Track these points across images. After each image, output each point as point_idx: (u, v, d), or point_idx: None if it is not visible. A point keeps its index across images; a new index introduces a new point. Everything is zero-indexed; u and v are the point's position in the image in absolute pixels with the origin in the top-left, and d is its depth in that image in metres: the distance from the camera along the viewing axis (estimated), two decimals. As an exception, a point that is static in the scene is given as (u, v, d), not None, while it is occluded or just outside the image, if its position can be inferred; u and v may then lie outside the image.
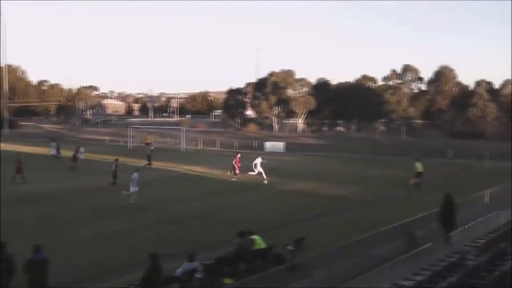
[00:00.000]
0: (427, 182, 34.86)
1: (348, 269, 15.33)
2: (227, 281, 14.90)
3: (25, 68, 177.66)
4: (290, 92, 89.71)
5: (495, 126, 75.22)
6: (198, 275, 14.52)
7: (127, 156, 47.85)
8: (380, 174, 43.09)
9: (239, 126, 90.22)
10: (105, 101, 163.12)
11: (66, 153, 46.78)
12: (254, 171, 37.38)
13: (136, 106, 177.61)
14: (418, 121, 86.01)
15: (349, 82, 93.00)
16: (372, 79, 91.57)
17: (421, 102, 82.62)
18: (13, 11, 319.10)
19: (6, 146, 56.98)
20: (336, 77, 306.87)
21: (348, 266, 15.67)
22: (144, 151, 55.22)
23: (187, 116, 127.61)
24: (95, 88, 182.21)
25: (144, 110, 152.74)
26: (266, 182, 36.04)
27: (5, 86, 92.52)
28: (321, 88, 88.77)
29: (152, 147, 48.48)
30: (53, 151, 48.38)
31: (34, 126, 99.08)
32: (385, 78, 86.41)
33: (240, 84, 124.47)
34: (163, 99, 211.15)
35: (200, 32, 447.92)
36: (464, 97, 77.45)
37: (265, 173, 37.21)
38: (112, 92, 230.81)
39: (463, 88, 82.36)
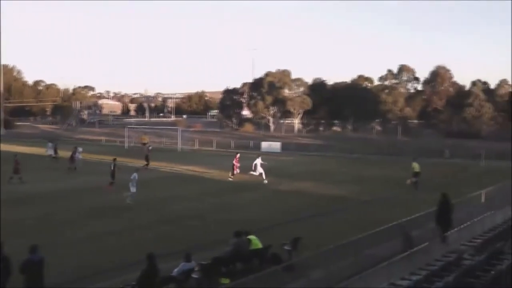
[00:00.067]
0: (424, 182, 34.90)
1: (345, 268, 15.33)
2: (224, 281, 14.89)
3: (21, 68, 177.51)
4: (286, 92, 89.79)
5: (491, 126, 75.41)
6: (194, 275, 14.51)
7: (123, 156, 47.76)
8: (376, 174, 43.12)
9: (235, 126, 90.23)
10: (101, 101, 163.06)
11: (63, 153, 46.75)
12: (255, 171, 37.32)
13: (132, 106, 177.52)
14: (414, 121, 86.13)
15: (346, 82, 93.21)
16: (368, 79, 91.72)
17: (417, 102, 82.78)
18: (9, 11, 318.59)
19: (2, 147, 56.83)
20: (332, 77, 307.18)
21: (344, 265, 15.67)
22: (140, 151, 55.28)
23: (183, 116, 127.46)
24: (91, 88, 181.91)
25: (140, 110, 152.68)
26: (265, 182, 36.01)
27: (1, 87, 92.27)
28: (318, 88, 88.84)
29: (150, 147, 48.45)
30: (49, 152, 48.24)
31: (30, 126, 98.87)
32: (381, 78, 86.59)
33: (236, 84, 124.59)
34: (159, 99, 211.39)
35: (197, 32, 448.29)
36: (460, 97, 77.62)
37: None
38: (108, 92, 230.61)
39: (459, 88, 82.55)
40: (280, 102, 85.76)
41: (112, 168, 32.70)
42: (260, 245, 16.68)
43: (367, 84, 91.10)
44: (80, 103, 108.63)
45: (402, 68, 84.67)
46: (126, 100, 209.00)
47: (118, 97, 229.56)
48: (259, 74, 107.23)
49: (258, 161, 37.73)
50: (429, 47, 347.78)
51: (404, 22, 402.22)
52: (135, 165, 34.61)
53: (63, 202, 27.73)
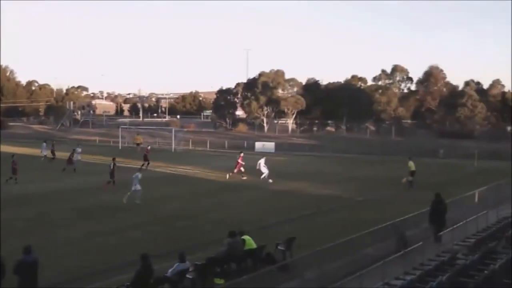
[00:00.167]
0: (418, 182, 35.07)
1: (339, 268, 15.36)
2: (218, 281, 14.90)
3: (14, 68, 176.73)
4: (280, 92, 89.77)
5: (484, 126, 75.69)
6: (189, 276, 14.51)
7: (117, 157, 47.56)
8: (370, 173, 43.22)
9: (229, 126, 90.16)
10: (95, 102, 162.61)
11: (60, 154, 46.76)
12: (264, 172, 37.50)
13: (126, 107, 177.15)
14: (408, 121, 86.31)
15: (339, 82, 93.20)
16: (362, 79, 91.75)
17: (410, 102, 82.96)
18: (1, 11, 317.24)
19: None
20: (326, 77, 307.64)
21: (339, 265, 15.70)
22: (134, 151, 55.28)
23: (177, 116, 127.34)
24: (85, 88, 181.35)
25: (134, 111, 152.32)
26: (270, 181, 36.35)
27: (1, 87, 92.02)
28: (311, 88, 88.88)
29: (149, 147, 48.43)
30: (44, 152, 48.09)
31: (23, 127, 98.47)
32: (375, 78, 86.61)
33: (230, 84, 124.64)
34: (153, 99, 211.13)
35: (191, 32, 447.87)
36: (453, 97, 77.81)
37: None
38: (101, 92, 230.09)
39: (453, 88, 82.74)
40: (274, 102, 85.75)
41: (112, 167, 32.84)
42: (254, 245, 16.69)
43: (360, 84, 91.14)
44: (74, 103, 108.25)
45: (396, 68, 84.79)
46: (120, 100, 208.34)
47: (112, 97, 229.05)
48: (253, 74, 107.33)
49: (262, 161, 37.92)
50: (423, 47, 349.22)
51: (398, 23, 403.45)
52: (132, 166, 34.54)
53: (58, 202, 27.71)
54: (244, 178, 37.42)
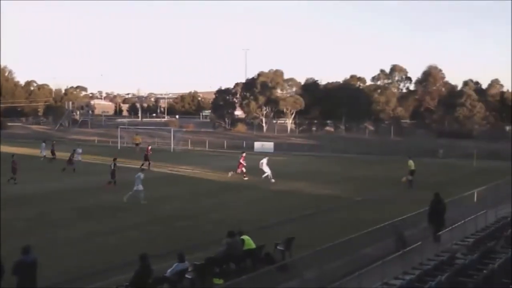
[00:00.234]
0: (417, 182, 35.13)
1: (338, 268, 15.37)
2: (217, 281, 14.90)
3: (12, 68, 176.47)
4: (279, 92, 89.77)
5: (483, 126, 75.72)
6: (188, 276, 14.50)
7: (117, 157, 47.62)
8: (369, 173, 43.23)
9: (228, 126, 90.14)
10: (94, 102, 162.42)
11: (60, 154, 46.84)
12: (266, 171, 37.59)
13: (124, 107, 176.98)
14: (406, 121, 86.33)
15: (338, 82, 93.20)
16: (361, 79, 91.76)
17: (409, 102, 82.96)
18: (1, 11, 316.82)
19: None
20: (324, 77, 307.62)
21: (338, 265, 15.71)
22: (133, 151, 55.29)
23: (176, 116, 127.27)
24: (84, 89, 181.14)
25: (133, 111, 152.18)
26: (273, 181, 36.48)
27: (1, 88, 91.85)
28: (310, 88, 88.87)
29: (150, 147, 48.45)
30: (43, 152, 48.08)
31: (22, 127, 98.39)
32: (374, 78, 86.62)
33: (229, 84, 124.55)
34: (152, 99, 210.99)
35: (189, 32, 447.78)
36: (452, 97, 77.84)
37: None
38: (100, 92, 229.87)
39: (451, 88, 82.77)
40: (272, 102, 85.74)
41: (112, 167, 33.00)
42: (253, 245, 16.69)
43: (359, 84, 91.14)
44: (73, 103, 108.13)
45: (394, 68, 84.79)
46: (119, 100, 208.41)
47: (111, 97, 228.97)
48: (252, 74, 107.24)
49: (265, 160, 38.03)
50: (421, 47, 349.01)
51: (396, 23, 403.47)
52: (131, 166, 34.57)
53: (58, 202, 27.74)
54: (246, 178, 37.41)
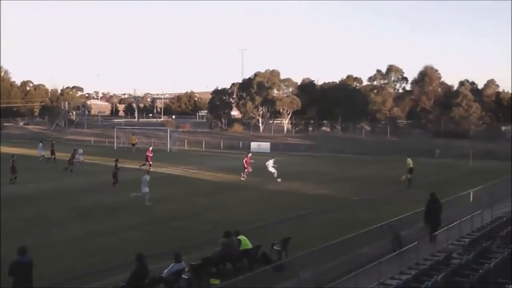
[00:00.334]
0: (414, 181, 35.28)
1: (335, 268, 15.39)
2: (214, 281, 14.90)
3: (8, 68, 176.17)
4: (275, 92, 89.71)
5: (479, 126, 75.83)
6: (185, 276, 14.50)
7: (113, 157, 47.59)
8: (365, 173, 43.30)
9: (224, 126, 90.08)
10: (90, 102, 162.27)
11: (57, 154, 46.84)
12: (273, 171, 37.94)
13: (121, 107, 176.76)
14: (403, 121, 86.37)
15: (335, 82, 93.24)
16: (357, 79, 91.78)
17: (406, 102, 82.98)
18: (1, 11, 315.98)
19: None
20: (321, 77, 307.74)
21: (334, 265, 15.73)
22: (130, 152, 55.22)
23: (172, 116, 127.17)
24: (80, 89, 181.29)
25: (129, 111, 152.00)
26: (279, 180, 36.81)
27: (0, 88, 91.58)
28: (307, 88, 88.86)
29: (151, 147, 48.43)
30: (41, 152, 48.01)
31: (18, 127, 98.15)
32: (370, 78, 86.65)
33: (225, 84, 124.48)
34: (148, 99, 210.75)
35: (186, 33, 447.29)
36: (448, 97, 77.88)
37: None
38: (96, 92, 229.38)
39: (447, 88, 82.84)
40: (269, 102, 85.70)
41: (114, 169, 33.35)
42: (250, 245, 16.70)
43: (356, 84, 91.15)
44: (69, 103, 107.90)
45: (391, 68, 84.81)
46: (115, 100, 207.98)
47: (107, 98, 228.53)
48: (248, 74, 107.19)
49: (271, 161, 38.16)
50: (418, 47, 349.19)
51: (393, 23, 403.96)
52: (127, 166, 34.64)
53: (57, 202, 27.77)
54: (243, 178, 37.46)
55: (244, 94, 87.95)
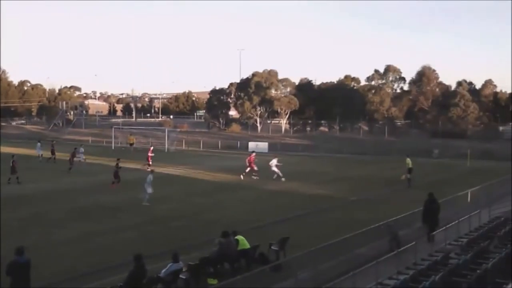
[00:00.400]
0: (413, 181, 35.35)
1: (333, 268, 15.39)
2: (212, 281, 14.90)
3: (5, 68, 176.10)
4: (273, 92, 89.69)
5: (476, 126, 75.96)
6: (182, 276, 14.49)
7: (111, 157, 47.64)
8: (363, 173, 43.34)
9: (222, 126, 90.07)
10: (88, 102, 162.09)
11: (56, 154, 46.82)
12: (276, 170, 38.04)
13: (118, 107, 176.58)
14: (400, 121, 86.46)
15: (332, 82, 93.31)
16: (355, 79, 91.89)
17: (403, 102, 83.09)
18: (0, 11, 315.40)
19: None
20: (319, 77, 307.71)
21: (332, 265, 15.73)
22: (127, 152, 55.18)
23: (170, 116, 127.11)
24: (78, 89, 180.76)
25: (127, 111, 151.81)
26: (283, 179, 36.98)
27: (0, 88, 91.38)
28: (304, 88, 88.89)
29: (152, 147, 48.48)
30: (39, 152, 47.94)
31: (15, 127, 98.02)
32: (368, 78, 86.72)
33: (223, 84, 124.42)
34: (146, 99, 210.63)
35: (184, 32, 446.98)
36: (446, 97, 78.01)
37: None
38: (94, 92, 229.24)
39: (445, 88, 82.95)
40: (267, 102, 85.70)
41: (116, 168, 33.42)
42: (247, 245, 16.70)
43: (353, 84, 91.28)
44: (66, 103, 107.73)
45: (389, 68, 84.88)
46: (113, 100, 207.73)
47: (105, 98, 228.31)
48: (246, 74, 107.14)
49: (274, 161, 38.21)
50: (415, 47, 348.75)
51: (391, 23, 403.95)
52: (126, 166, 34.68)
53: (56, 202, 27.77)
54: (242, 177, 37.55)
55: (242, 94, 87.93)
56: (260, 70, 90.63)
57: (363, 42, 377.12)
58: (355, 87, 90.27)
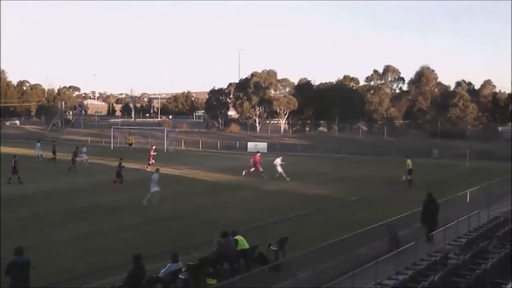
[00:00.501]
0: (412, 181, 35.39)
1: (332, 268, 15.40)
2: (211, 281, 14.90)
3: (4, 68, 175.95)
4: (272, 92, 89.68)
5: (475, 126, 75.99)
6: (182, 276, 14.50)
7: (110, 157, 47.66)
8: (362, 173, 43.34)
9: (221, 126, 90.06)
10: (87, 102, 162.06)
11: (55, 154, 46.84)
12: (279, 170, 38.21)
13: (118, 107, 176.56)
14: (399, 121, 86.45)
15: (331, 82, 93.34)
16: (354, 80, 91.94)
17: (402, 102, 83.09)
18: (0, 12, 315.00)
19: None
20: (318, 78, 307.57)
21: (332, 265, 15.75)
22: (126, 152, 55.18)
23: (169, 116, 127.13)
24: (77, 89, 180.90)
25: (126, 111, 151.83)
26: (288, 179, 37.11)
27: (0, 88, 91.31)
28: (303, 89, 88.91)
29: (154, 147, 48.37)
30: (39, 152, 47.90)
31: (15, 127, 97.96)
32: (367, 79, 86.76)
33: (222, 84, 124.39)
34: (145, 99, 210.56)
35: (183, 32, 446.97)
36: (445, 97, 78.04)
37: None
38: (93, 92, 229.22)
39: (444, 89, 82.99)
40: (266, 102, 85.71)
41: (118, 168, 33.51)
42: (247, 246, 16.70)
43: (352, 84, 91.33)
44: (65, 103, 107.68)
45: (388, 69, 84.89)
46: (112, 100, 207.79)
47: (104, 98, 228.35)
48: (245, 74, 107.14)
49: (278, 160, 38.23)
50: (414, 47, 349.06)
51: (389, 23, 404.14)
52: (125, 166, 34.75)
53: (56, 203, 27.78)
54: (243, 173, 38.22)
55: (241, 94, 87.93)
56: (259, 70, 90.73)
57: (362, 42, 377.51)
58: (354, 87, 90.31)
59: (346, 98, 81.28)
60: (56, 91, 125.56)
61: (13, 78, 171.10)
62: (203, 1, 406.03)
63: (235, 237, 16.68)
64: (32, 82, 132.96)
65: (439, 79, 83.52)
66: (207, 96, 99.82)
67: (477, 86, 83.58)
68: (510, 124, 77.01)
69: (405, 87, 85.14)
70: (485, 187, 29.92)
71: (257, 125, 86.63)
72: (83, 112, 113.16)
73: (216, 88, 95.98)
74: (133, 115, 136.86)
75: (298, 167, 48.00)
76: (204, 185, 35.36)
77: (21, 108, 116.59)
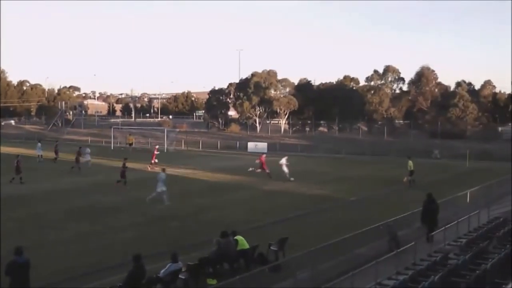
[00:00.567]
0: (411, 181, 35.43)
1: (332, 268, 15.40)
2: (211, 281, 14.90)
3: (5, 68, 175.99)
4: (272, 92, 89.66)
5: (475, 127, 75.97)
6: (182, 276, 14.49)
7: (110, 157, 47.64)
8: (362, 174, 43.34)
9: (221, 126, 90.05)
10: (87, 102, 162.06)
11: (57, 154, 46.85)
12: (285, 170, 38.19)
13: (118, 107, 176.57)
14: (399, 121, 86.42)
15: (331, 82, 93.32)
16: (354, 80, 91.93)
17: (402, 102, 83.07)
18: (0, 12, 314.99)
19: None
20: (318, 78, 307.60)
21: (331, 265, 15.75)
22: (127, 152, 55.18)
23: (169, 116, 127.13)
24: (77, 89, 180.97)
25: (126, 111, 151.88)
26: (292, 179, 37.23)
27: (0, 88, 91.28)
28: (304, 89, 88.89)
29: (157, 146, 48.34)
30: (39, 152, 47.88)
31: (15, 127, 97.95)
32: (367, 79, 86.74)
33: (222, 84, 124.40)
34: (145, 99, 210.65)
35: (183, 32, 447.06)
36: (445, 97, 78.02)
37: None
38: (93, 92, 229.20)
39: (444, 89, 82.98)
40: (266, 102, 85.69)
41: (122, 168, 33.40)
42: (247, 246, 16.70)
43: (353, 84, 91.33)
44: (65, 103, 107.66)
45: (388, 69, 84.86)
46: (112, 100, 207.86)
47: (104, 98, 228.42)
48: (245, 74, 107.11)
49: (284, 160, 38.34)
50: (414, 47, 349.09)
51: (390, 23, 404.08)
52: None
53: (56, 203, 27.77)
54: (249, 170, 38.78)
55: (241, 94, 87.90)
56: (259, 70, 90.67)
57: (362, 43, 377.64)
58: (354, 88, 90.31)
59: (346, 98, 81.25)
60: (56, 91, 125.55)
61: (13, 78, 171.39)
62: (203, 1, 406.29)
63: (235, 237, 16.68)
64: (32, 82, 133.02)
65: (439, 79, 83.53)
66: (207, 96, 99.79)
67: (477, 86, 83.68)
68: (510, 124, 77.00)
69: (405, 87, 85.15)
70: (485, 187, 29.92)
71: (257, 125, 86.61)
72: (83, 112, 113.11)
73: (216, 88, 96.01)
74: (133, 115, 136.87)
75: (298, 167, 47.92)
76: (204, 185, 35.36)
77: (21, 108, 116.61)
